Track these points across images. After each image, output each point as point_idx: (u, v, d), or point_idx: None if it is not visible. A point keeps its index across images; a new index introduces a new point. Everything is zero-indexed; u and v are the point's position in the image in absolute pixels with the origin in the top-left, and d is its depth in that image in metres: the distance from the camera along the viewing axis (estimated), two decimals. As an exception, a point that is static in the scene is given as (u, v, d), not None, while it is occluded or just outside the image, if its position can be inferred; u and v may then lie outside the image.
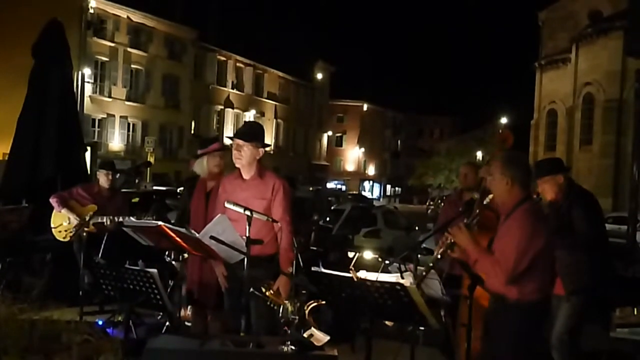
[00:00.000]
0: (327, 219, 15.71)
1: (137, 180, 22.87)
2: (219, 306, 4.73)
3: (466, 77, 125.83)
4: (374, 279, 3.49)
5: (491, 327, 3.78)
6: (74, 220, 6.77)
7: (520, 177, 3.63)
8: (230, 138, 4.45)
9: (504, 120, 53.81)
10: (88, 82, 33.06)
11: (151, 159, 29.96)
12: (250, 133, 4.43)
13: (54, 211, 6.96)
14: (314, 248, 8.29)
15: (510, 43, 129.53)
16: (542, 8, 40.70)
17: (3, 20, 28.18)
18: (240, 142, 4.35)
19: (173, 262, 5.51)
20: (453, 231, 3.66)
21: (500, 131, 4.99)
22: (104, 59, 36.02)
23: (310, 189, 30.94)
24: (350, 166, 71.36)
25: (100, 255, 6.44)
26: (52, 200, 6.90)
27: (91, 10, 33.51)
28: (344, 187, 62.93)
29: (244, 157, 4.35)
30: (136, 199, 11.12)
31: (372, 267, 3.84)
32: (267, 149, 4.61)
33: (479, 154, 51.84)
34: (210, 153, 5.02)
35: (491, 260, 3.52)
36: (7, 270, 7.78)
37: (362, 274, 3.53)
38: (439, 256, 3.84)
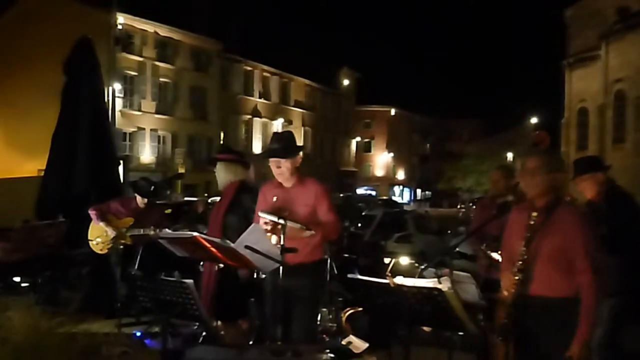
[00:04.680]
0: (359, 225, 15.65)
1: (168, 192, 23.10)
2: (243, 315, 4.77)
3: (494, 79, 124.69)
4: (411, 284, 3.46)
5: (546, 329, 3.58)
6: (111, 234, 6.85)
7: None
8: (267, 157, 4.44)
9: (533, 120, 53.16)
10: (118, 96, 33.52)
11: (182, 171, 30.22)
12: (286, 148, 4.41)
13: (92, 223, 7.06)
14: (347, 255, 8.27)
15: (537, 42, 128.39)
16: (568, 5, 40.21)
17: (34, 39, 28.79)
18: (281, 160, 4.36)
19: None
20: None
21: (537, 132, 4.88)
22: (133, 73, 36.49)
23: (341, 195, 30.85)
24: (379, 171, 71.13)
25: (136, 267, 6.53)
26: (91, 213, 6.99)
27: (119, 26, 34.04)
28: (373, 193, 62.70)
29: (285, 171, 4.37)
30: (169, 210, 11.22)
31: (407, 273, 3.80)
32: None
33: (510, 155, 51.29)
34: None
35: (591, 296, 3.45)
36: (45, 285, 7.91)
37: (399, 279, 3.50)
38: None
